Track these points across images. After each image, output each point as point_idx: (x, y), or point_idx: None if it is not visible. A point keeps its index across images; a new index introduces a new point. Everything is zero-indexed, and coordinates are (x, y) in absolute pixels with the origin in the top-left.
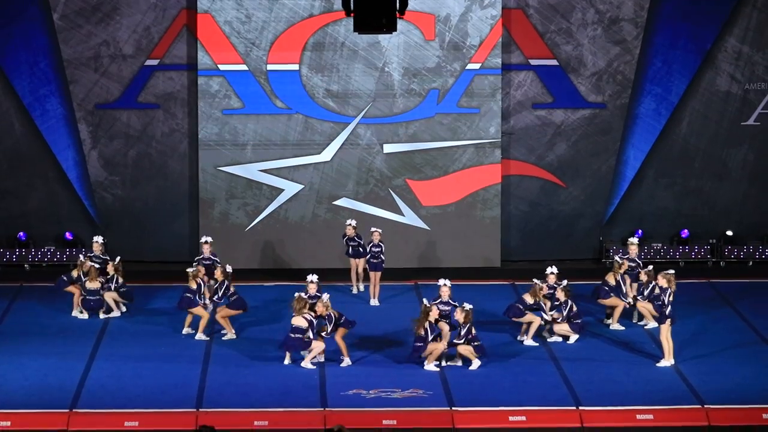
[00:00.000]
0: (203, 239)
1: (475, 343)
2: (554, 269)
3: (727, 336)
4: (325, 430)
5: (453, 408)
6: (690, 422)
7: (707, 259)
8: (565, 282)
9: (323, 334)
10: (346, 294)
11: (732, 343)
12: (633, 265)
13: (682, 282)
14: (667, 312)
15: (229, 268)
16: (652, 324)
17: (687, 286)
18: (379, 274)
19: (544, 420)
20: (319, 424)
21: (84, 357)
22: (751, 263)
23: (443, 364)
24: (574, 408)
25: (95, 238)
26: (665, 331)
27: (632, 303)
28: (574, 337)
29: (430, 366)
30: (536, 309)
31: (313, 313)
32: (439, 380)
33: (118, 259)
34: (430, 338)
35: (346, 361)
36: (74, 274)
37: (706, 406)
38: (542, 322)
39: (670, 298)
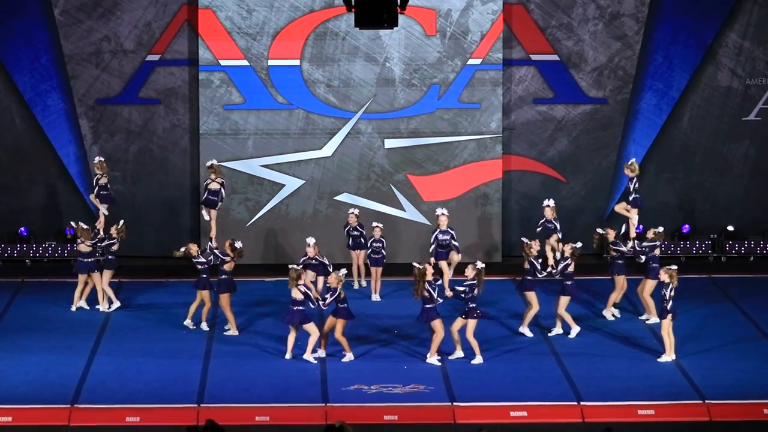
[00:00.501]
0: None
1: (472, 305)
2: (551, 202)
3: (729, 331)
4: (326, 425)
5: (454, 403)
6: (691, 417)
7: (708, 255)
8: (579, 244)
9: (321, 303)
10: (348, 289)
11: (733, 338)
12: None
13: (683, 277)
14: (668, 307)
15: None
16: (653, 319)
17: (688, 281)
18: (380, 269)
19: (545, 415)
20: (321, 420)
21: (85, 352)
22: (752, 258)
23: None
24: (576, 403)
25: (96, 158)
26: (666, 326)
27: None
28: (575, 330)
29: (432, 360)
30: (532, 274)
31: (306, 286)
32: (441, 375)
33: (122, 222)
34: (435, 295)
35: (349, 356)
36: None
37: (707, 401)
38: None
39: (671, 293)
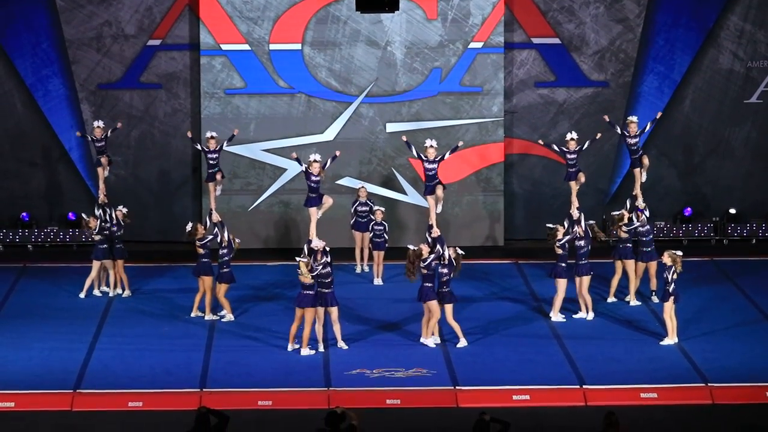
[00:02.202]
0: (208, 134)
1: (447, 289)
2: (574, 135)
3: (731, 314)
4: (329, 412)
5: (457, 387)
6: (694, 400)
7: (710, 237)
8: (592, 222)
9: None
10: (350, 273)
11: (735, 321)
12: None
13: (685, 260)
14: (670, 290)
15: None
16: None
17: (690, 264)
18: (382, 253)
19: (547, 399)
20: (323, 404)
21: (88, 337)
22: (754, 241)
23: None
24: (578, 386)
25: (96, 123)
26: (669, 309)
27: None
28: (590, 315)
29: (429, 341)
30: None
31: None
32: (443, 359)
33: (124, 210)
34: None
35: (341, 344)
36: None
37: (709, 384)
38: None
39: (674, 277)
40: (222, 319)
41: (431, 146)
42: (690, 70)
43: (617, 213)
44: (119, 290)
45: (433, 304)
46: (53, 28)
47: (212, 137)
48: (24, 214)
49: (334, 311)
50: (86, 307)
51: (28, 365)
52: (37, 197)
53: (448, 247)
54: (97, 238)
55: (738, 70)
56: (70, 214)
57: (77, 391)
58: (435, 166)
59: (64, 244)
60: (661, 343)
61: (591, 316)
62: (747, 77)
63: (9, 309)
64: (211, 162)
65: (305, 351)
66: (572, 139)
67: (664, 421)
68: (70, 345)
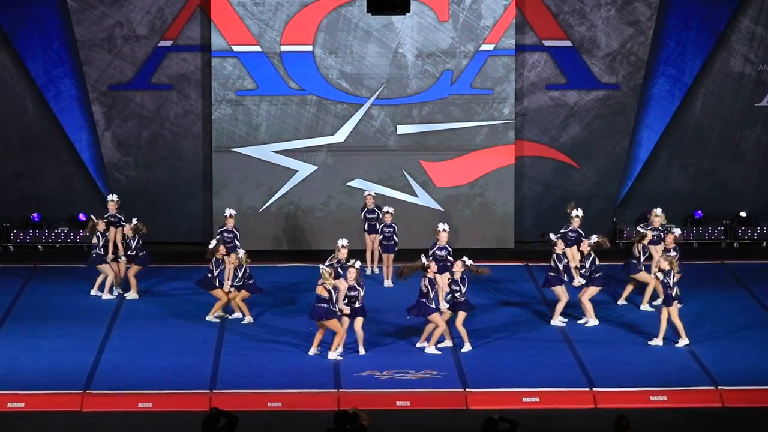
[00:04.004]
0: (227, 212)
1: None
2: (579, 212)
3: (741, 317)
4: (338, 412)
5: (467, 389)
6: (703, 403)
7: (721, 240)
8: (594, 237)
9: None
10: (360, 275)
11: (746, 324)
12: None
13: (695, 263)
14: (672, 294)
15: (241, 252)
16: (592, 322)
17: (700, 267)
18: (392, 255)
19: (557, 401)
20: (333, 406)
21: (98, 338)
22: (764, 244)
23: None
24: (588, 389)
25: (109, 197)
26: (674, 312)
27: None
28: (593, 322)
29: (431, 349)
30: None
31: (334, 285)
32: (453, 361)
33: (134, 221)
34: (432, 294)
35: (361, 350)
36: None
37: (719, 387)
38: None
39: (674, 280)
40: (242, 321)
41: (443, 230)
42: (701, 73)
43: (642, 230)
44: (120, 290)
45: (436, 317)
46: (65, 28)
47: (231, 216)
48: (35, 214)
49: (359, 320)
50: (96, 308)
51: (38, 366)
52: (47, 198)
53: (456, 261)
54: (94, 241)
55: (749, 73)
56: (80, 214)
57: (87, 391)
58: (443, 253)
59: (74, 245)
60: (676, 345)
61: (593, 322)
62: (758, 80)
63: (19, 309)
64: (227, 241)
65: (332, 354)
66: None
67: (673, 424)
68: (80, 346)
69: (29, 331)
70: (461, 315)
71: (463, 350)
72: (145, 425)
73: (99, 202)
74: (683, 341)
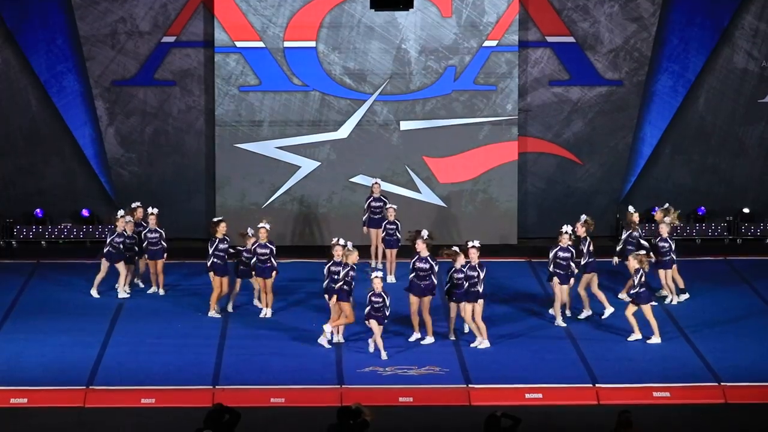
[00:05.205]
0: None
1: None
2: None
3: (744, 313)
4: (341, 407)
5: (469, 385)
6: (706, 400)
7: (724, 237)
8: (583, 217)
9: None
10: (363, 270)
11: (748, 320)
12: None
13: (698, 259)
14: (640, 292)
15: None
16: (677, 299)
17: (703, 264)
18: (394, 251)
19: (560, 397)
20: (336, 402)
21: (101, 334)
22: (767, 240)
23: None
24: (591, 385)
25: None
26: (647, 310)
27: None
28: (585, 313)
29: (429, 339)
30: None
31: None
32: (456, 357)
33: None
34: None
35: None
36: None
37: (722, 383)
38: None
39: (642, 279)
40: (260, 314)
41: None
42: (704, 70)
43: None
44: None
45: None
46: (68, 24)
47: (251, 235)
48: (38, 210)
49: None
50: (99, 304)
51: (41, 361)
52: (50, 194)
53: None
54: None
55: (752, 70)
56: (83, 210)
57: (90, 387)
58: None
59: (77, 241)
60: (648, 341)
61: (609, 310)
62: (761, 76)
63: (23, 305)
64: (244, 259)
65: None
66: (566, 232)
67: (676, 420)
68: (83, 341)
69: (32, 327)
70: (479, 308)
71: (481, 346)
72: (148, 421)
73: (102, 198)
74: (656, 339)
